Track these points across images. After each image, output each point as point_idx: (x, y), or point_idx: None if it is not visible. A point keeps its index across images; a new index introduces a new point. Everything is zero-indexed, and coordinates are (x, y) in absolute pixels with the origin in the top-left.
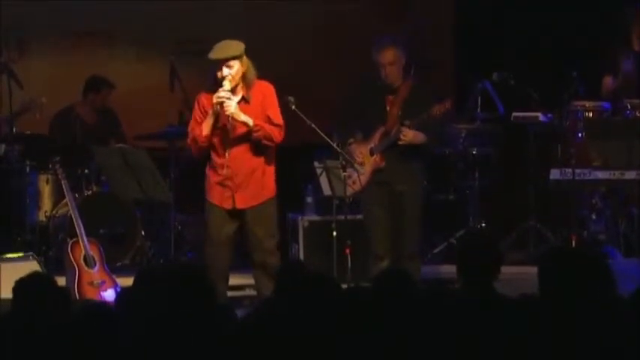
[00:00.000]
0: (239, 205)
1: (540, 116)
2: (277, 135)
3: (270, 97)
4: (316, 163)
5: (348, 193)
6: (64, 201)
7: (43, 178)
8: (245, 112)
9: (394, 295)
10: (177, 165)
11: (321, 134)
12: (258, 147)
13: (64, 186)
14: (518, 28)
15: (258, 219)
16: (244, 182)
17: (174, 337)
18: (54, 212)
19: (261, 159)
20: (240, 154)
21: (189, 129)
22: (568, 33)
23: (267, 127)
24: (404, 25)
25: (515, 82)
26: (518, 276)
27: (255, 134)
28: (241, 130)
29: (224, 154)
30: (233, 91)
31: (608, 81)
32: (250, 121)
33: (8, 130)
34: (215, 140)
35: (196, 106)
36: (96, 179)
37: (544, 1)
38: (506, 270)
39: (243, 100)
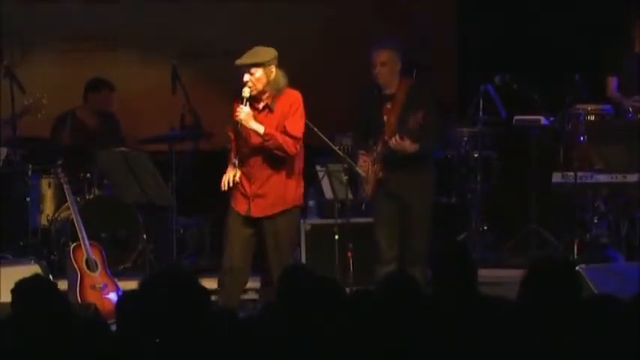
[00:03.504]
0: (254, 214)
1: (542, 120)
2: (291, 146)
3: (294, 107)
4: (318, 167)
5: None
6: (66, 204)
7: (45, 181)
8: (267, 121)
9: (397, 299)
10: (180, 168)
11: (324, 138)
12: (274, 157)
13: (65, 190)
14: (521, 31)
15: (273, 229)
16: (260, 191)
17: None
18: (56, 216)
19: (280, 168)
20: (257, 162)
21: None
22: (570, 35)
23: (280, 136)
24: (406, 26)
25: (518, 85)
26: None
27: (265, 143)
28: (256, 139)
29: (242, 162)
30: (258, 98)
31: (611, 82)
32: (261, 130)
33: (10, 133)
34: (235, 147)
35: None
36: (98, 183)
37: (546, 3)
38: (508, 274)
39: (267, 108)
